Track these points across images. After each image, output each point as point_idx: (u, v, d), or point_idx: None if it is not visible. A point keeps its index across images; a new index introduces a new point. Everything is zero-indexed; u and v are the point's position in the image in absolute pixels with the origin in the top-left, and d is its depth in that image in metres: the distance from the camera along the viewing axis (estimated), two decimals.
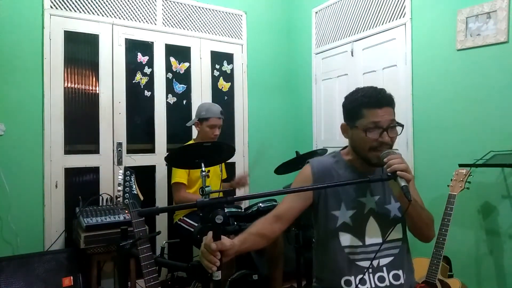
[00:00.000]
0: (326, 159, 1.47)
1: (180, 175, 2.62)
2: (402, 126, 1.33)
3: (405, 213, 1.26)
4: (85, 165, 2.89)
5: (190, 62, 3.38)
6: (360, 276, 1.31)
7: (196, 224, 2.48)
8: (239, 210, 2.37)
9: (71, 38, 2.85)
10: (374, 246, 1.34)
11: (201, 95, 3.41)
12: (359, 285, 1.31)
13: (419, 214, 1.30)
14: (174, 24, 3.30)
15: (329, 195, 1.38)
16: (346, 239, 1.36)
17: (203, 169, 2.20)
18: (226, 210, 2.25)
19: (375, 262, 1.33)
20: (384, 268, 1.34)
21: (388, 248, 1.35)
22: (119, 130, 3.01)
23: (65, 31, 2.81)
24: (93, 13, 2.92)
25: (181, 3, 3.33)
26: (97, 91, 2.95)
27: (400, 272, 1.34)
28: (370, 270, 1.32)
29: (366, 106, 1.29)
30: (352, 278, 1.32)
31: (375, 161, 1.29)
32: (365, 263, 1.33)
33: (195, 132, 3.04)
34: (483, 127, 2.23)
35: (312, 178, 1.40)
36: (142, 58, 3.15)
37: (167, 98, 3.25)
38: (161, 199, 3.16)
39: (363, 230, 1.36)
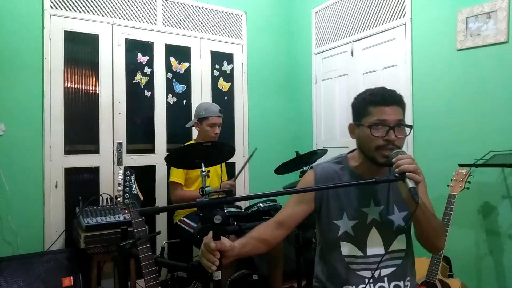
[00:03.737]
0: (331, 165, 1.42)
1: (177, 174, 2.62)
2: (411, 127, 1.29)
3: (412, 215, 1.20)
4: (85, 165, 2.89)
5: (190, 62, 3.38)
6: (362, 286, 1.29)
7: (195, 225, 2.48)
8: (239, 210, 2.37)
9: (71, 38, 2.85)
10: (375, 257, 1.31)
11: (201, 95, 3.41)
12: None
13: (428, 219, 1.24)
14: (174, 24, 3.30)
15: (331, 204, 1.36)
16: (347, 249, 1.33)
17: (203, 169, 2.20)
18: (226, 210, 2.25)
19: (376, 273, 1.30)
20: (386, 279, 1.31)
21: (390, 258, 1.32)
22: (119, 130, 3.01)
23: (65, 31, 2.81)
24: (93, 13, 2.92)
25: (181, 3, 3.33)
26: (97, 91, 2.95)
27: (401, 284, 1.31)
28: (371, 280, 1.30)
29: (373, 104, 1.27)
30: None
31: (382, 161, 1.24)
32: (366, 273, 1.31)
33: (195, 132, 3.04)
34: (483, 127, 2.23)
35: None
36: (142, 58, 3.15)
37: (167, 98, 3.25)
38: (161, 199, 3.16)
39: (364, 240, 1.33)
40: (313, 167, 1.44)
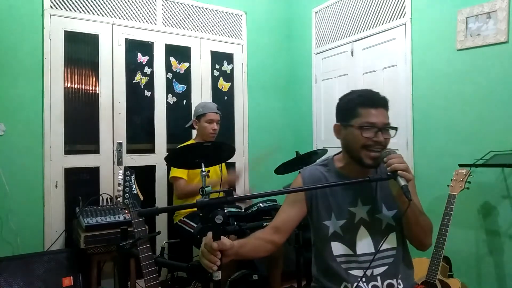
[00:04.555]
0: (318, 168, 1.46)
1: (178, 170, 2.62)
2: (396, 129, 1.33)
3: (404, 214, 1.24)
4: (85, 165, 2.89)
5: (190, 62, 3.38)
6: (356, 284, 1.31)
7: (196, 225, 2.47)
8: (239, 210, 2.37)
9: (71, 38, 2.85)
10: (365, 256, 1.33)
11: (201, 95, 3.41)
12: None
13: (417, 217, 1.28)
14: (174, 24, 3.30)
15: (320, 205, 1.39)
16: (337, 248, 1.36)
17: (203, 169, 2.20)
18: (226, 210, 2.25)
19: (368, 271, 1.32)
20: (378, 278, 1.32)
21: (381, 257, 1.34)
22: (119, 130, 3.01)
23: (65, 31, 2.81)
24: (93, 13, 2.92)
25: (181, 3, 3.33)
26: (97, 91, 2.95)
27: (394, 282, 1.33)
28: (364, 280, 1.31)
29: (362, 105, 1.30)
30: (349, 286, 1.32)
31: (368, 162, 1.28)
32: (357, 272, 1.33)
33: (195, 133, 3.03)
34: (483, 127, 2.23)
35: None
36: (142, 58, 3.15)
37: (167, 98, 3.25)
38: (161, 199, 3.16)
39: (353, 239, 1.36)
40: (300, 171, 1.48)
